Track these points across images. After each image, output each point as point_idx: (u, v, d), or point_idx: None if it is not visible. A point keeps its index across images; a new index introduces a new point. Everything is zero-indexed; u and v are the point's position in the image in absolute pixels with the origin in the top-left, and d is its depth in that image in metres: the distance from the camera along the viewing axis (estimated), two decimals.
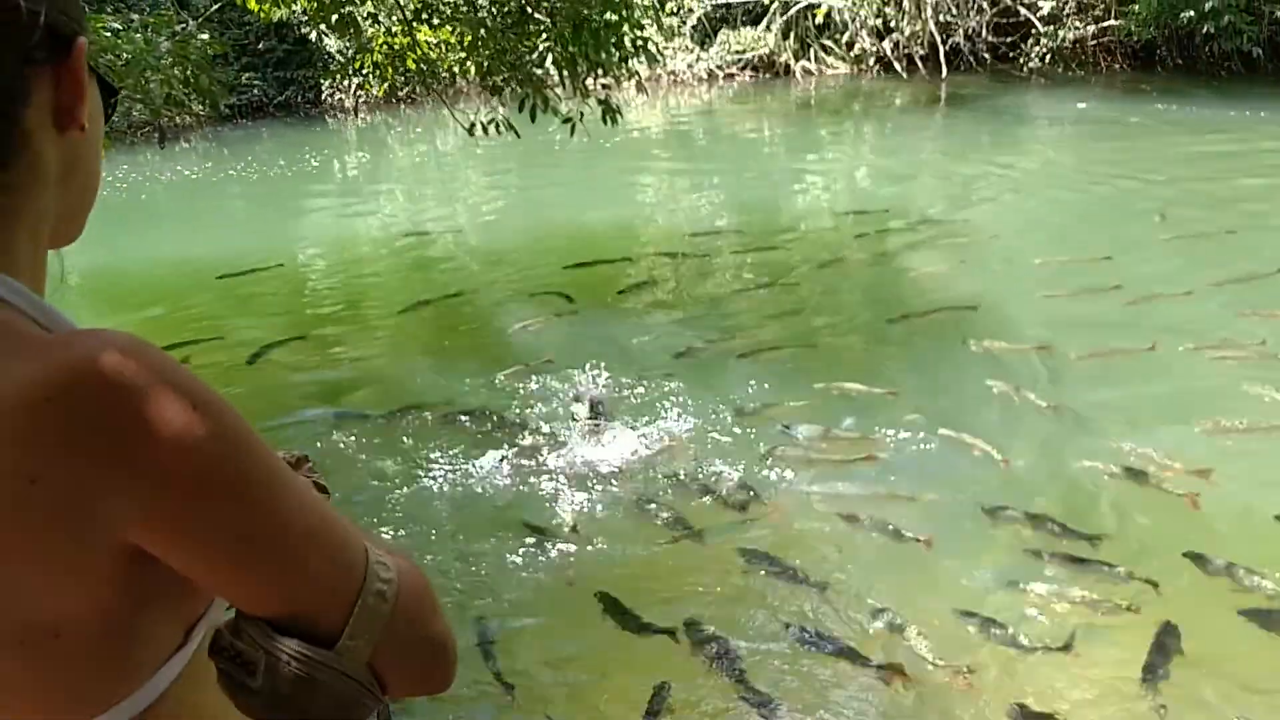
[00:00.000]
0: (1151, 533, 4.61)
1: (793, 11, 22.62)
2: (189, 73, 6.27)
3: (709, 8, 23.02)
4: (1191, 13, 18.32)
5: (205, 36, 7.30)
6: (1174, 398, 5.87)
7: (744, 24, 23.43)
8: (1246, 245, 8.55)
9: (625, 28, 6.94)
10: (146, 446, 0.77)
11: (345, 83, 19.85)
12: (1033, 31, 21.63)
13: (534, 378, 6.51)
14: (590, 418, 5.63)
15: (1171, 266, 8.14)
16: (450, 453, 5.64)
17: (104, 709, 0.86)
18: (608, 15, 6.72)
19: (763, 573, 4.37)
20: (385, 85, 8.07)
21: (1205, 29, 18.62)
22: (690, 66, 23.31)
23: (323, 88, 21.36)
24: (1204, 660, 3.72)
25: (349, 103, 21.44)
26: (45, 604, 0.81)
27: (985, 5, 21.69)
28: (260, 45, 20.71)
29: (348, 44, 11.14)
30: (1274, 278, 7.55)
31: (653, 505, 4.95)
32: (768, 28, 23.08)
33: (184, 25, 7.06)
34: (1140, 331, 6.64)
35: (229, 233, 11.86)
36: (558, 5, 6.76)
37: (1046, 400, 5.83)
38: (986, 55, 22.25)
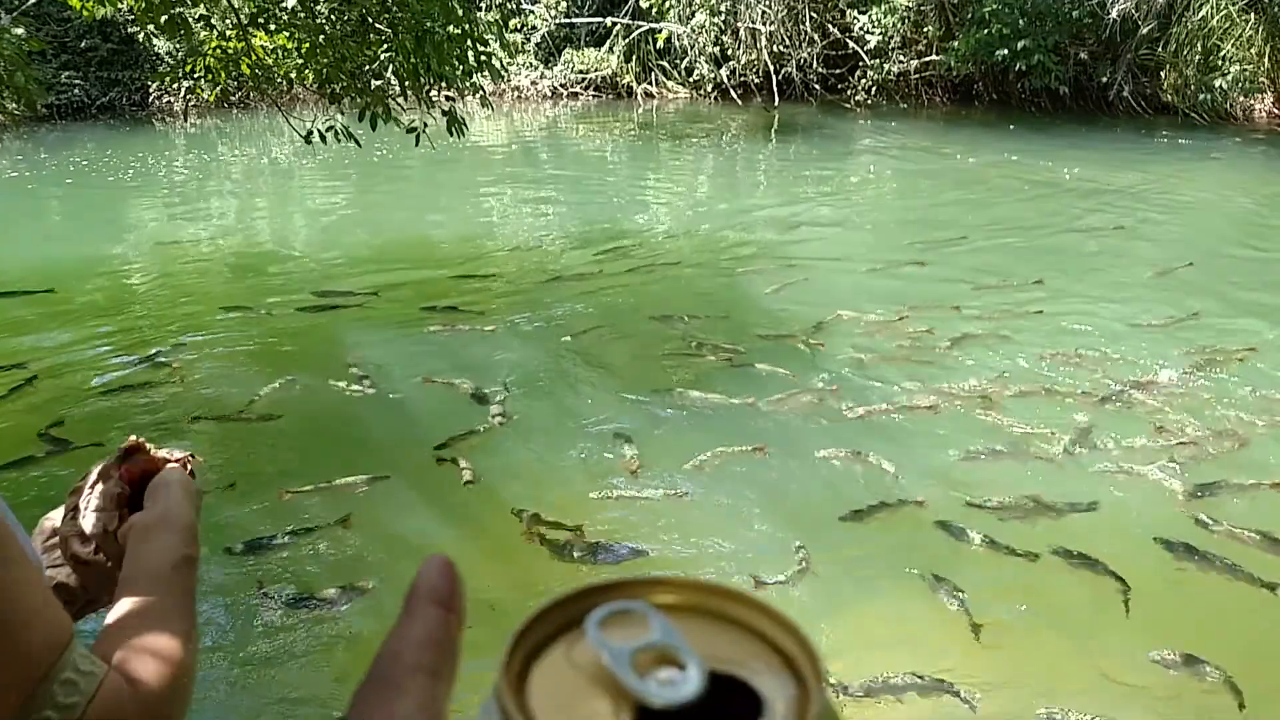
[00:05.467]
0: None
1: (634, 35, 23.09)
2: (2, 69, 6.01)
3: (553, 26, 23.25)
4: (1005, 51, 19.72)
5: (20, 31, 6.99)
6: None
7: (587, 44, 23.77)
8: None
9: (468, 42, 7.01)
10: None
11: (174, 85, 19.11)
12: (860, 64, 22.72)
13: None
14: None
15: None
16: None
17: None
18: (450, 29, 6.77)
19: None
20: (217, 90, 7.85)
21: (1018, 67, 20.05)
22: (534, 83, 23.48)
23: (150, 90, 20.52)
24: None
25: (178, 106, 20.65)
26: None
27: (816, 38, 22.67)
28: (83, 44, 19.76)
29: (178, 46, 10.81)
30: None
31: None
32: (610, 49, 23.48)
33: None
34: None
35: (33, 241, 11.18)
36: (399, 16, 6.77)
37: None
38: (817, 86, 23.24)
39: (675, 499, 5.11)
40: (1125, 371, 6.73)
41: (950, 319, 7.79)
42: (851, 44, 22.54)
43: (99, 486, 1.18)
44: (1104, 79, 20.74)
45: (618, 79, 23.56)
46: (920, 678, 3.79)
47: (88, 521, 1.15)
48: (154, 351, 7.22)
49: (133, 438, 1.22)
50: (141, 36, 19.44)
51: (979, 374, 6.68)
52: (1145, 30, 19.87)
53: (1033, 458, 5.55)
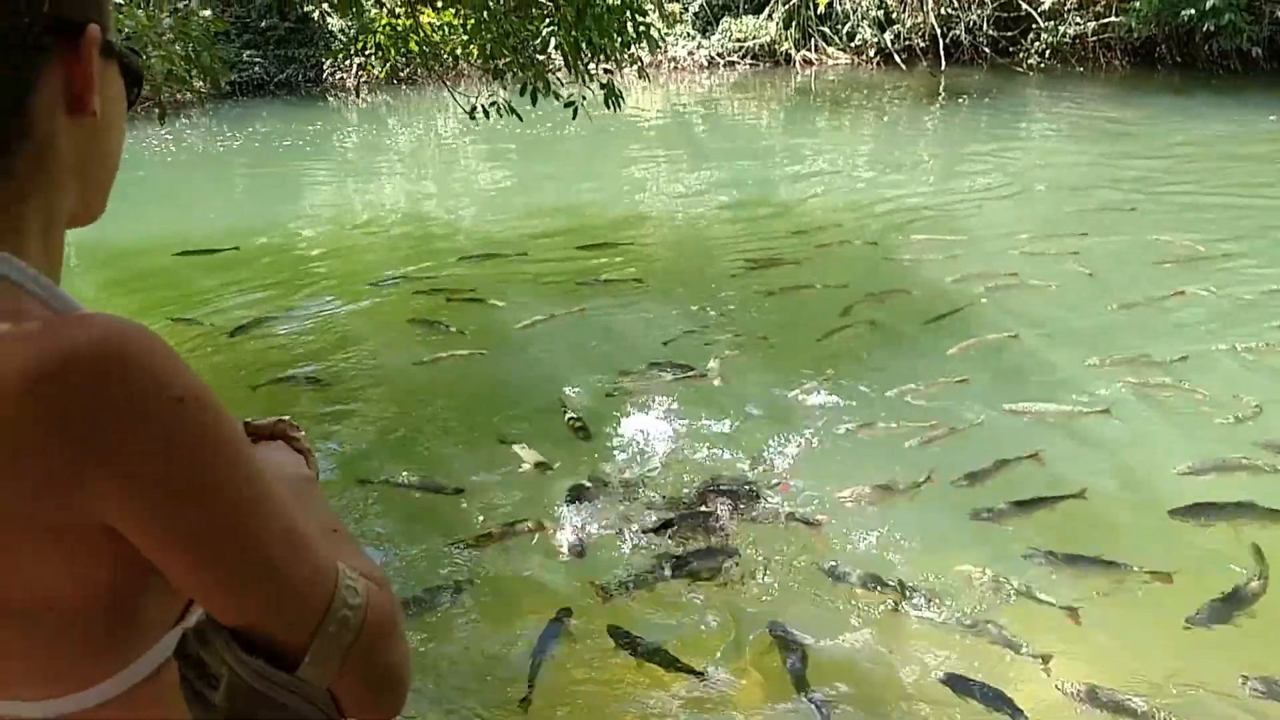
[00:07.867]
0: None
1: (794, 0, 22.63)
2: (190, 49, 6.30)
3: None
4: (1192, 10, 18.38)
5: (207, 13, 7.30)
6: None
7: (746, 12, 23.45)
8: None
9: (628, 13, 6.98)
10: (129, 437, 0.78)
11: (347, 62, 19.83)
12: (1033, 26, 21.66)
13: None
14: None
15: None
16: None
17: (95, 683, 0.88)
18: (611, 0, 6.76)
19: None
20: (387, 66, 8.10)
21: (1205, 27, 18.68)
22: (691, 54, 23.33)
23: (324, 67, 21.36)
24: None
25: (350, 82, 21.44)
26: (39, 575, 0.83)
27: None
28: (262, 23, 20.71)
29: (350, 24, 11.17)
30: None
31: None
32: (769, 16, 23.10)
33: (185, 2, 7.06)
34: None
35: (219, 209, 11.94)
36: None
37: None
38: (987, 49, 22.29)
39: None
40: None
41: (1118, 299, 7.40)
42: (1024, 4, 21.49)
43: None
44: None
45: (776, 46, 23.16)
46: None
47: None
48: (322, 308, 7.77)
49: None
50: (316, 15, 20.21)
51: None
52: None
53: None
